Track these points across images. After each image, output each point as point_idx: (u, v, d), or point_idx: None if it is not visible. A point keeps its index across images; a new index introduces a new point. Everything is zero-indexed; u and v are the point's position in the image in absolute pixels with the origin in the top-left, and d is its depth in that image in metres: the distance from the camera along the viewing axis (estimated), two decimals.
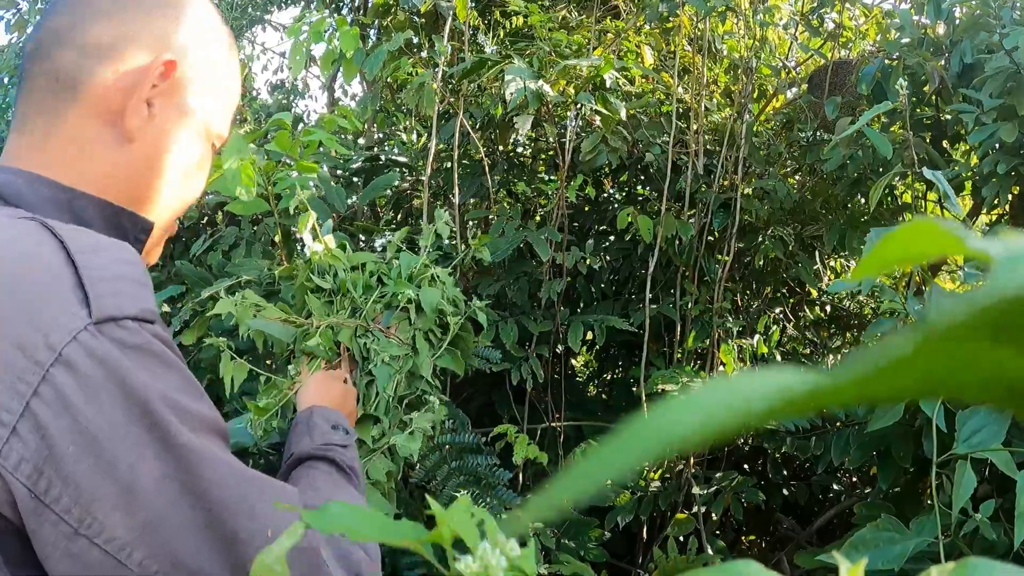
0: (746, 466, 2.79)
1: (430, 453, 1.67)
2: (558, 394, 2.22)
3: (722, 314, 2.24)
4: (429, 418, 1.26)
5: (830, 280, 2.64)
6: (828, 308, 3.07)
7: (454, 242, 1.94)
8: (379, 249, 2.29)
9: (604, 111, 1.83)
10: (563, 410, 2.22)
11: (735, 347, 2.28)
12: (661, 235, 2.08)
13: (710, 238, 2.37)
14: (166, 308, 2.50)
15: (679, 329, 2.28)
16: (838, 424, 2.00)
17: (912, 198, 2.75)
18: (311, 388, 1.13)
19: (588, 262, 2.18)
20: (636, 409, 2.70)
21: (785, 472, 2.75)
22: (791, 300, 2.67)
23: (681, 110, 2.41)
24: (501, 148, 2.66)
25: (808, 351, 2.89)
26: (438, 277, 1.36)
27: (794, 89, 2.97)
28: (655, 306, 2.16)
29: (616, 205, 2.57)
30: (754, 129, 2.48)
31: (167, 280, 2.75)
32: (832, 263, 2.80)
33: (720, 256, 2.33)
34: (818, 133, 2.48)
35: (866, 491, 2.62)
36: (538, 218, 2.42)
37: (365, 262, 1.34)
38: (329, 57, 2.18)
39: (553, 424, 2.21)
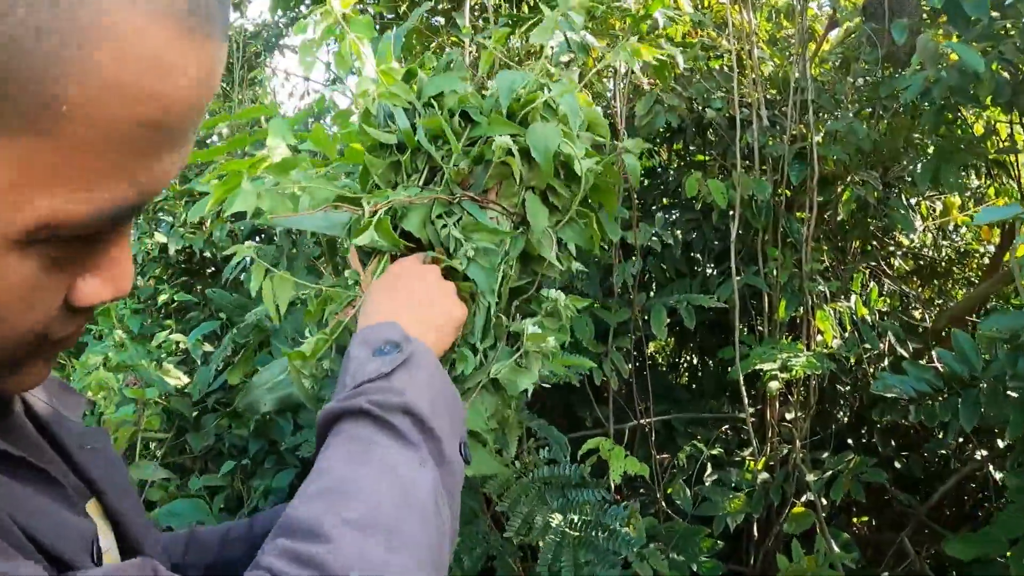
0: (849, 440, 2.54)
1: (523, 494, 1.32)
2: (643, 387, 2.00)
3: (813, 277, 2.00)
4: (551, 327, 0.86)
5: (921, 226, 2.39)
6: (909, 259, 2.82)
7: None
8: None
9: (661, 57, 1.59)
10: (651, 404, 1.99)
11: (831, 312, 2.04)
12: (739, 197, 1.85)
13: (776, 197, 2.13)
14: (207, 347, 2.29)
15: (767, 300, 2.04)
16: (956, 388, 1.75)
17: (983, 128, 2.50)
18: (372, 298, 0.79)
19: (661, 238, 1.95)
20: (731, 393, 2.47)
21: (892, 443, 2.51)
22: (882, 252, 2.43)
23: (730, 62, 2.18)
24: None
25: (898, 304, 2.64)
26: (555, 101, 0.88)
27: (835, 31, 2.74)
28: (739, 277, 1.93)
29: (672, 174, 2.35)
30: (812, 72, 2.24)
31: (205, 317, 2.54)
32: (917, 206, 2.55)
33: (800, 214, 2.09)
34: (883, 67, 2.23)
35: (979, 454, 2.36)
36: None
37: (443, 91, 0.90)
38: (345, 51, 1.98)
39: (642, 421, 1.99)
